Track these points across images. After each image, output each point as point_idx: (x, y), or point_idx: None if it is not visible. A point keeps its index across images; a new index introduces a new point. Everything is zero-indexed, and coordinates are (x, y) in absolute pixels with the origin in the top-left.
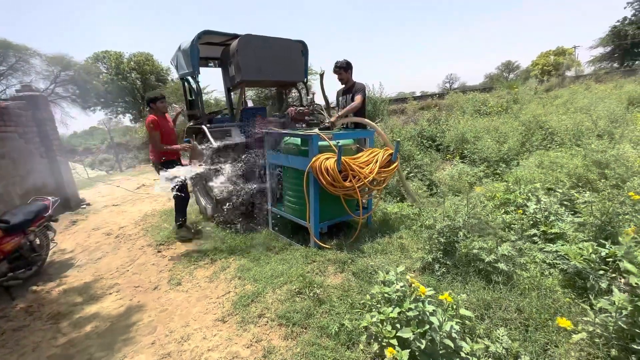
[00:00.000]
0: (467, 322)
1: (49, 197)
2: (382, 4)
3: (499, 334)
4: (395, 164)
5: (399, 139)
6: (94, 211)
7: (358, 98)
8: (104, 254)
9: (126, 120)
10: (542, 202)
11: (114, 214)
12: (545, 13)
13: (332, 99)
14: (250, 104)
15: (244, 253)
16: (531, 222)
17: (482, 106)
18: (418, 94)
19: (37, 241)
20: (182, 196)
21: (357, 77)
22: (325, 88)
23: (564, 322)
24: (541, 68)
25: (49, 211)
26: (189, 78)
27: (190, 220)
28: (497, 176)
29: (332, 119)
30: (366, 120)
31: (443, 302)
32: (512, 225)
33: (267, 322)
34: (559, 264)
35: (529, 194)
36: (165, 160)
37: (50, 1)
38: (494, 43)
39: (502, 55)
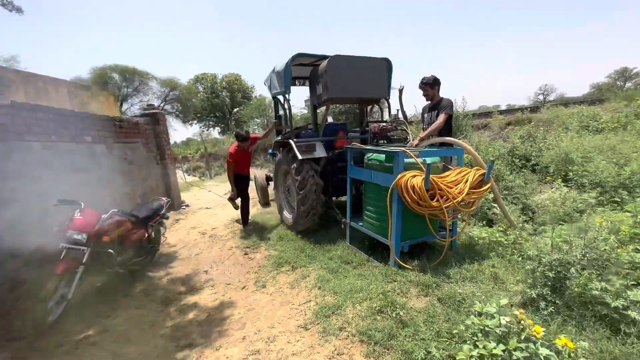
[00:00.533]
0: None
1: (164, 198)
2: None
3: None
4: (487, 185)
5: (492, 159)
6: (192, 212)
7: (442, 117)
8: (201, 250)
9: (215, 132)
10: None
11: (207, 215)
12: None
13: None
14: (330, 119)
15: (322, 263)
16: None
17: (591, 121)
18: (503, 107)
19: (153, 235)
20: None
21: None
22: (404, 103)
23: None
24: None
25: (163, 210)
26: (280, 97)
27: (270, 226)
28: (616, 205)
29: (415, 142)
30: (453, 139)
31: (559, 347)
32: None
33: (348, 336)
34: None
35: None
36: (237, 173)
37: (157, 30)
38: (598, 48)
39: (611, 62)
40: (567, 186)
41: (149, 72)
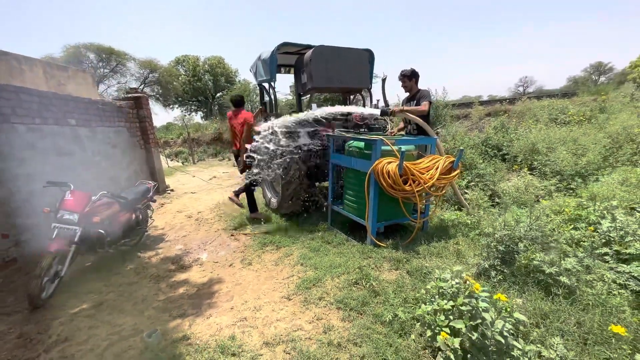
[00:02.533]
0: (521, 327)
1: (151, 182)
2: None
3: (554, 342)
4: (456, 172)
5: (462, 147)
6: (177, 196)
7: (425, 104)
8: (188, 232)
9: (197, 117)
10: (617, 221)
11: (192, 200)
12: None
13: (393, 101)
14: (314, 107)
15: (304, 243)
16: (603, 241)
17: (560, 114)
18: (485, 98)
19: (141, 217)
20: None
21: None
22: (386, 92)
23: (617, 329)
24: None
25: (150, 193)
26: (265, 84)
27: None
28: (571, 191)
29: (395, 108)
30: (428, 127)
31: (496, 302)
32: (582, 242)
33: (327, 304)
34: (631, 285)
35: (604, 212)
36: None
37: (139, 8)
38: (581, 41)
39: (591, 57)
40: (532, 174)
41: (126, 53)
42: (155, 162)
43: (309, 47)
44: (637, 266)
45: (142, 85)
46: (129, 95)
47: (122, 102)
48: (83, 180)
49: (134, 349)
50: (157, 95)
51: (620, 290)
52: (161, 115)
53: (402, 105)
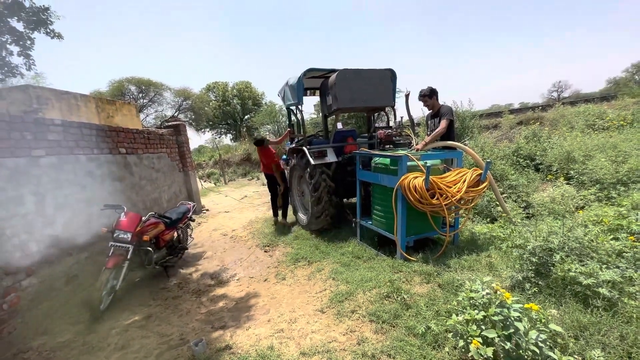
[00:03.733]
0: (558, 339)
1: (190, 202)
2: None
3: (594, 355)
4: (484, 184)
5: (489, 159)
6: (212, 216)
7: (443, 123)
8: (224, 250)
9: (227, 139)
10: None
11: (226, 219)
12: None
13: (418, 115)
14: (339, 125)
15: (335, 258)
16: None
17: (597, 120)
18: (516, 106)
19: (182, 235)
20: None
21: (447, 91)
22: (410, 108)
23: None
24: None
25: (190, 213)
26: (293, 107)
27: (286, 226)
28: (612, 200)
29: (419, 146)
30: (454, 143)
31: (529, 312)
32: (624, 253)
33: (359, 317)
34: None
35: None
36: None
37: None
38: (620, 40)
39: (634, 55)
40: (569, 184)
41: (163, 83)
42: (192, 184)
43: (333, 71)
44: None
45: (177, 112)
46: (169, 124)
47: (163, 131)
48: (132, 202)
49: (182, 357)
50: (190, 121)
51: None
52: (194, 139)
53: (427, 121)
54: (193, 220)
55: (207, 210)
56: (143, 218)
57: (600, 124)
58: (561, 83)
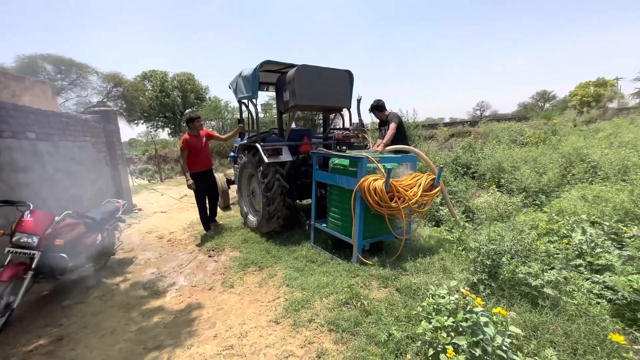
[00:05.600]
0: (514, 340)
1: (120, 200)
2: (407, 22)
3: (547, 354)
4: (437, 189)
5: (442, 165)
6: (145, 216)
7: (392, 126)
8: (160, 255)
9: (164, 133)
10: (588, 233)
11: (162, 219)
12: (583, 44)
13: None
14: (293, 125)
15: (288, 263)
16: (576, 253)
17: (518, 136)
18: (447, 120)
19: (108, 239)
20: (203, 205)
21: (391, 102)
22: (362, 111)
23: (616, 337)
24: (580, 99)
25: (119, 213)
26: (246, 101)
27: (233, 228)
28: (537, 207)
29: (379, 148)
30: (409, 147)
31: (494, 316)
32: (556, 255)
33: (317, 327)
34: (607, 294)
35: (574, 225)
36: (193, 173)
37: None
38: (528, 72)
39: (537, 85)
40: (500, 191)
41: (88, 65)
42: (122, 179)
43: (291, 65)
44: (609, 276)
45: (105, 99)
46: (96, 109)
47: (87, 116)
48: (41, 198)
49: None
50: (121, 110)
51: (598, 300)
52: (125, 131)
53: (379, 129)
54: (123, 221)
55: (140, 209)
56: (56, 218)
57: (521, 140)
58: (483, 103)
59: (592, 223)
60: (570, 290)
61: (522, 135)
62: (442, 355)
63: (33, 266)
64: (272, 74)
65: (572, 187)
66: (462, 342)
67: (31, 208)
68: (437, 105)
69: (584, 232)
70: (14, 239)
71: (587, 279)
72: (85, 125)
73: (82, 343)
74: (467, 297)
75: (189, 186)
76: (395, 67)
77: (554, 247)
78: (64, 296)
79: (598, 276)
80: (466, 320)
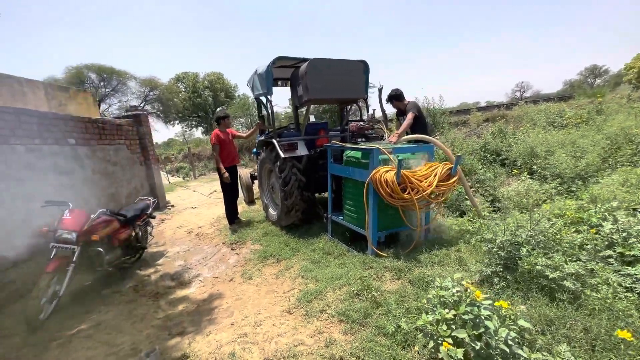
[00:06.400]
0: (526, 335)
1: (150, 198)
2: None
3: (561, 350)
4: (454, 178)
5: (459, 154)
6: (177, 212)
7: (409, 116)
8: (188, 248)
9: (198, 132)
10: (619, 222)
11: (193, 215)
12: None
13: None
14: (312, 118)
15: (305, 255)
16: (606, 243)
17: (557, 117)
18: (483, 104)
19: (140, 234)
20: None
21: (413, 91)
22: (383, 101)
23: (624, 334)
24: (638, 72)
25: (150, 209)
26: (262, 98)
27: (256, 222)
28: (572, 194)
29: (392, 139)
30: (426, 136)
31: (499, 309)
32: (585, 245)
33: (328, 317)
34: (638, 287)
35: (606, 214)
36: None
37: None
38: (576, 45)
39: (587, 59)
40: (532, 178)
41: (127, 72)
42: (155, 178)
43: (304, 60)
44: None
45: (143, 103)
46: (129, 113)
47: (121, 120)
48: (83, 198)
49: None
50: (158, 112)
51: (626, 294)
52: (162, 132)
53: (397, 118)
54: (154, 217)
55: (172, 206)
56: (92, 216)
57: (560, 122)
58: (523, 83)
59: (634, 210)
60: (595, 283)
61: (561, 116)
62: (441, 348)
63: (74, 259)
64: (286, 70)
65: (614, 171)
66: (463, 335)
67: (70, 207)
68: (471, 89)
69: (615, 221)
70: (56, 235)
71: (617, 272)
72: (119, 129)
73: (117, 328)
74: (468, 290)
75: (225, 179)
76: (421, 48)
77: (581, 237)
78: (103, 286)
79: (629, 268)
80: (467, 313)
